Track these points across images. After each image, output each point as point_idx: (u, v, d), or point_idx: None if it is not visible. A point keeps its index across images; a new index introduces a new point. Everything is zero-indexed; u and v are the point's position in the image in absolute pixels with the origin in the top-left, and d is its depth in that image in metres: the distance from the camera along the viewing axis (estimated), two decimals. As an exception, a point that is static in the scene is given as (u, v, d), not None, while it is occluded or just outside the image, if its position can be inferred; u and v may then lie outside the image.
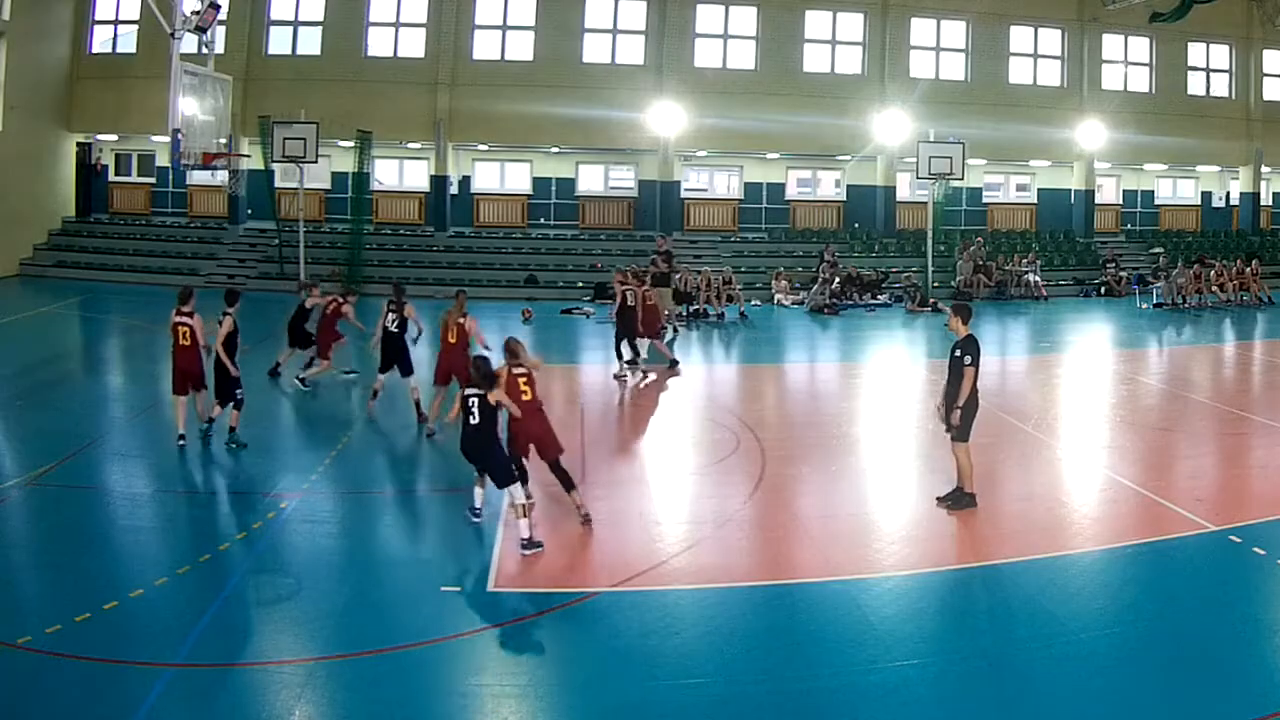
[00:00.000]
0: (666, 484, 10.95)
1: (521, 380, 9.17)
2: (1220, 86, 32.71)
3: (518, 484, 8.71)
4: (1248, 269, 27.03)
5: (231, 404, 11.52)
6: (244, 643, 7.09)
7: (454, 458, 11.95)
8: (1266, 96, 32.87)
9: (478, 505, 9.36)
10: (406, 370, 13.00)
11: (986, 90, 30.29)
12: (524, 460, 9.20)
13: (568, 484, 9.29)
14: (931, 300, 25.57)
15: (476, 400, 8.69)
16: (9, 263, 26.47)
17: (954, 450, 9.83)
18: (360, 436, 12.45)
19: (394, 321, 12.86)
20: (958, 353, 9.70)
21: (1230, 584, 8.17)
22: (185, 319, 11.28)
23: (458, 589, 7.86)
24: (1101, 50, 31.56)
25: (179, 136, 18.40)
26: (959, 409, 9.59)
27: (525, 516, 8.58)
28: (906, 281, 26.62)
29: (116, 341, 20.62)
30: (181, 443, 11.28)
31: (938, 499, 9.98)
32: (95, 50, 28.72)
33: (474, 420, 8.72)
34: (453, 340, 12.12)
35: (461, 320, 12.25)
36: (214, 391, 11.59)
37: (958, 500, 9.84)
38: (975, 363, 9.61)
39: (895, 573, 8.41)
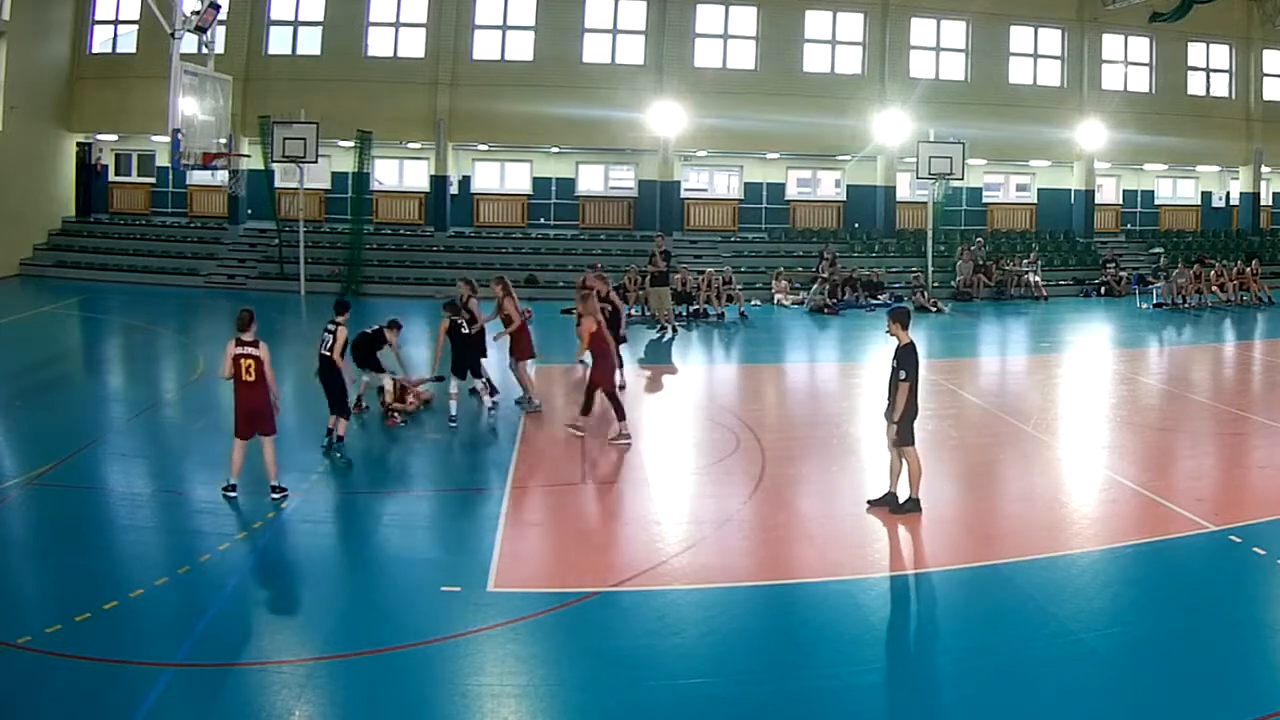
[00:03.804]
0: (666, 484, 10.95)
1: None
2: (1220, 86, 32.71)
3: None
4: (1248, 269, 27.03)
5: (341, 414, 11.54)
6: (244, 643, 7.09)
7: (454, 459, 12.04)
8: (1266, 96, 32.87)
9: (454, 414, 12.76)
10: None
11: (986, 90, 30.28)
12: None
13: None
14: (932, 300, 25.56)
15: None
16: (9, 263, 26.46)
17: (902, 455, 9.65)
18: (360, 437, 12.43)
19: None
20: (895, 363, 9.59)
21: (1230, 584, 8.17)
22: (249, 349, 9.68)
23: (458, 589, 7.85)
24: (1101, 50, 31.55)
25: (179, 136, 18.41)
26: (895, 424, 9.52)
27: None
28: (914, 281, 26.55)
29: (116, 341, 20.60)
30: (232, 494, 9.83)
31: (869, 502, 9.87)
32: (95, 50, 28.70)
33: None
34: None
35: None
36: (329, 403, 11.59)
37: (901, 505, 9.69)
38: (910, 376, 9.47)
39: (895, 573, 8.41)
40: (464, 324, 13.05)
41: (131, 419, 13.25)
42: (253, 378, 9.68)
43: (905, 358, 9.55)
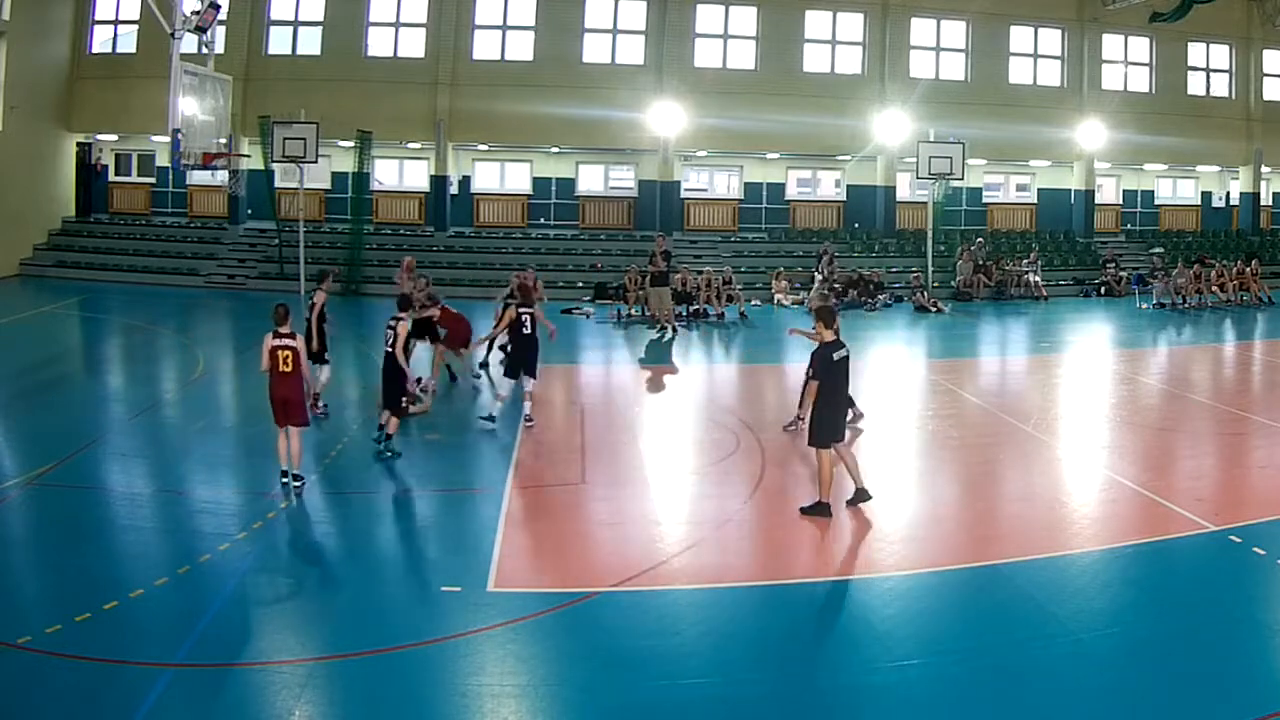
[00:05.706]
0: (666, 484, 10.95)
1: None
2: (1220, 86, 32.71)
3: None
4: (1247, 269, 27.03)
5: (395, 412, 11.53)
6: (244, 643, 7.08)
7: (454, 459, 12.03)
8: (1266, 96, 32.87)
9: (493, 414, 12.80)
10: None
11: (986, 90, 30.28)
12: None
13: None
14: (932, 300, 25.54)
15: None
16: (9, 263, 26.46)
17: (817, 456, 9.53)
18: (360, 437, 12.43)
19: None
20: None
21: (1230, 584, 8.16)
22: (286, 341, 9.99)
23: (458, 589, 7.84)
24: (1101, 50, 31.55)
25: (179, 136, 18.42)
26: (800, 418, 9.37)
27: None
28: (914, 281, 26.54)
29: (116, 341, 20.60)
30: (285, 480, 10.04)
31: (846, 502, 9.74)
32: (95, 50, 28.71)
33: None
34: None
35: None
36: (384, 398, 11.57)
37: (810, 506, 9.58)
38: (818, 375, 9.37)
39: (895, 573, 8.40)
40: (527, 322, 12.82)
41: (131, 419, 13.24)
42: (290, 368, 9.99)
43: (814, 355, 9.50)
